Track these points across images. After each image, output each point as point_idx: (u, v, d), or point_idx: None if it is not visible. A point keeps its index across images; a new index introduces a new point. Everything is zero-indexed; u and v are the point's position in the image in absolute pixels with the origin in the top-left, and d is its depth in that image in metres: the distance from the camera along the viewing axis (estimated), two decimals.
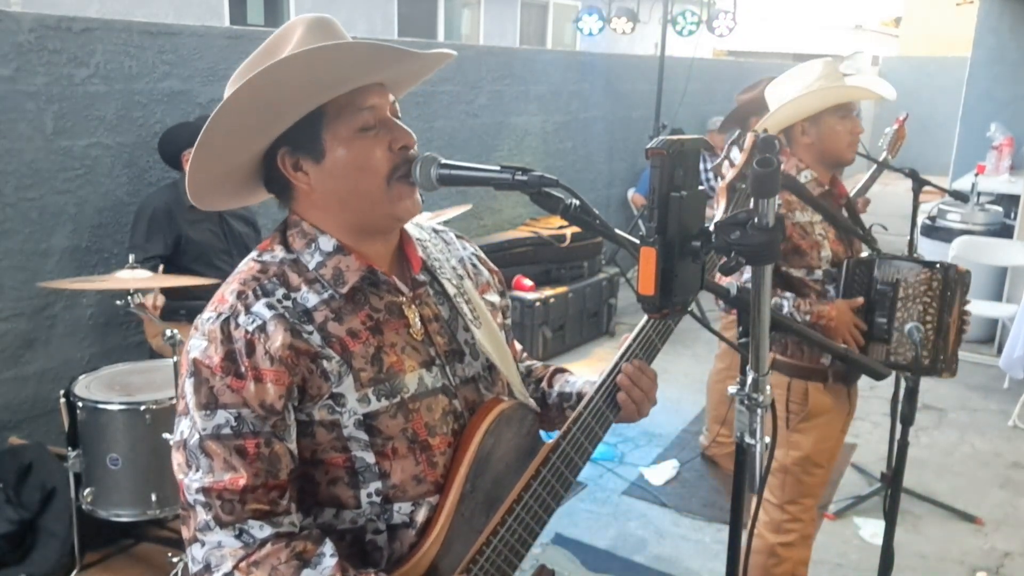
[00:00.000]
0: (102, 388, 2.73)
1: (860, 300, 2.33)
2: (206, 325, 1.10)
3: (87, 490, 2.66)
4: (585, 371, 1.32)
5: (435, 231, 1.37)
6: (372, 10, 9.50)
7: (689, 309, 1.12)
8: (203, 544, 1.06)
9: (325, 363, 1.11)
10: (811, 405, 2.39)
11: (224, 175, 1.19)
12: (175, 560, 2.62)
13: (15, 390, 3.19)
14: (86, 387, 2.73)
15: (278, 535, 1.06)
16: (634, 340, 1.32)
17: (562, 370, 1.48)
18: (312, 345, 1.11)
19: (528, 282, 5.21)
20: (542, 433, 1.34)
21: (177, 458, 1.10)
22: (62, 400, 2.66)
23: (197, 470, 1.07)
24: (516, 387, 1.30)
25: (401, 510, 1.15)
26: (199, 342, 1.10)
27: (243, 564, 1.04)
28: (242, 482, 1.06)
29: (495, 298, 1.38)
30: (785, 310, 2.29)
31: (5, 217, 3.07)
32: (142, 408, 2.61)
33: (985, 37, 7.56)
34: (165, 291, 3.06)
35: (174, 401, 2.53)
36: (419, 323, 1.21)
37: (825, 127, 2.35)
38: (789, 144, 2.46)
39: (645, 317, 1.31)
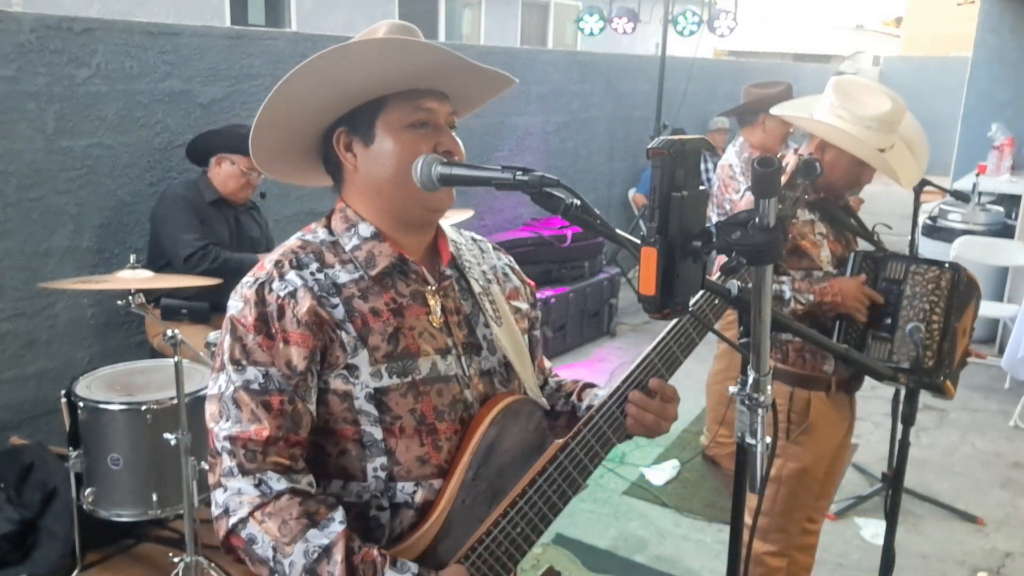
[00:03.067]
0: (103, 388, 2.73)
1: (863, 277, 2.28)
2: (244, 289, 1.20)
3: (88, 490, 2.67)
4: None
5: (473, 239, 1.43)
6: (373, 10, 9.49)
7: (690, 309, 1.12)
8: (225, 489, 1.14)
9: (344, 335, 1.18)
10: (812, 416, 2.34)
11: (285, 142, 1.27)
12: (176, 560, 2.62)
13: (16, 390, 3.20)
14: (87, 387, 2.73)
15: (294, 491, 1.13)
16: (653, 350, 1.33)
17: (591, 385, 1.50)
18: (334, 316, 1.18)
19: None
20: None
21: (210, 408, 1.18)
22: (63, 400, 2.66)
23: (227, 419, 1.15)
24: (529, 386, 1.32)
25: (404, 489, 1.20)
26: (237, 303, 1.19)
27: (257, 512, 1.11)
28: (266, 433, 1.13)
29: (523, 305, 1.42)
30: (787, 295, 2.24)
31: (6, 217, 3.07)
32: (143, 408, 2.61)
33: (986, 37, 7.56)
34: (165, 291, 3.06)
35: (175, 401, 2.53)
36: (440, 312, 1.26)
37: (842, 162, 2.28)
38: (795, 144, 2.44)
39: (668, 327, 1.34)
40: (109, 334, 3.45)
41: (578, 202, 1.13)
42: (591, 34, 7.13)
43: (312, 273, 1.20)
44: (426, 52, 1.17)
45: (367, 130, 1.22)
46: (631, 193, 7.19)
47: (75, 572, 2.76)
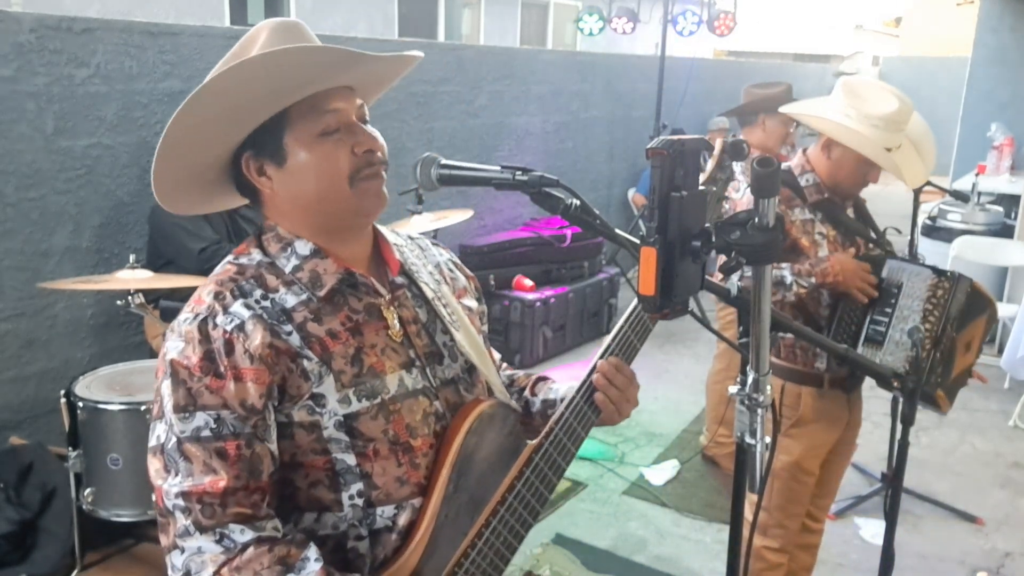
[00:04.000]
0: (102, 388, 2.73)
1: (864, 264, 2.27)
2: (183, 326, 1.09)
3: (88, 490, 2.66)
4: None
5: (411, 238, 1.37)
6: (372, 10, 9.49)
7: (689, 309, 1.12)
8: (183, 551, 1.03)
9: (305, 363, 1.10)
10: (803, 411, 2.34)
11: (191, 177, 1.19)
12: None
13: (16, 390, 3.20)
14: (87, 387, 2.73)
15: (260, 539, 1.04)
16: (612, 339, 1.30)
17: (544, 378, 1.47)
18: (291, 345, 1.10)
19: (528, 282, 5.21)
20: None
21: (154, 464, 1.07)
22: (63, 400, 2.66)
23: (176, 474, 1.05)
24: (497, 388, 1.29)
25: (384, 514, 1.14)
26: (176, 343, 1.08)
27: (224, 570, 1.02)
28: (223, 484, 1.04)
29: (472, 303, 1.38)
30: (788, 279, 2.21)
31: (6, 217, 3.07)
32: (143, 408, 2.60)
33: (986, 37, 7.56)
34: (165, 292, 3.06)
35: None
36: (398, 324, 1.20)
37: (849, 161, 2.27)
38: (801, 145, 2.43)
39: (623, 317, 1.31)
40: (108, 334, 3.45)
41: (577, 202, 1.13)
42: (590, 34, 7.13)
43: (257, 301, 1.11)
44: (315, 55, 1.09)
45: (276, 150, 1.14)
46: (630, 193, 7.19)
47: (75, 572, 2.76)
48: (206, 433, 1.05)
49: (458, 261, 1.43)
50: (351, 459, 1.11)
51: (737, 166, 4.07)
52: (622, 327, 1.30)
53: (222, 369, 1.06)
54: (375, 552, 1.14)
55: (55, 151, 3.19)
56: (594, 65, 6.76)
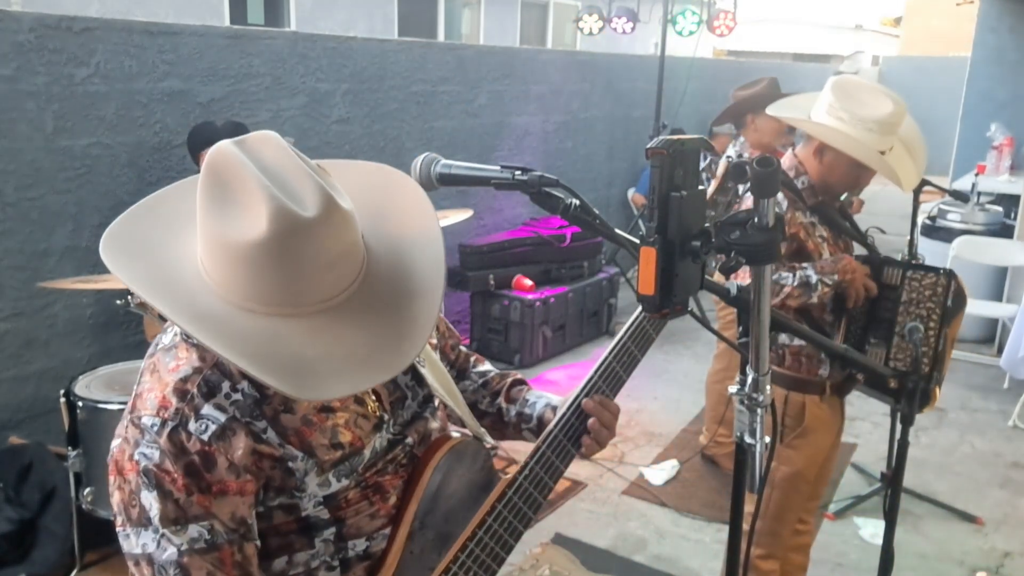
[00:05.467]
0: (102, 387, 2.73)
1: (867, 269, 2.28)
2: (152, 432, 0.97)
3: (87, 489, 2.66)
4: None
5: None
6: (372, 10, 9.49)
7: (689, 309, 1.12)
8: None
9: (291, 463, 1.03)
10: (807, 420, 2.33)
11: None
12: None
13: (15, 390, 3.19)
14: (86, 387, 2.73)
15: None
16: (596, 373, 1.25)
17: (520, 382, 1.42)
18: (273, 446, 1.02)
19: (528, 282, 5.21)
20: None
21: (144, 572, 0.99)
22: (62, 399, 2.66)
23: None
24: (468, 422, 1.25)
25: (356, 546, 1.12)
26: (149, 450, 0.97)
27: None
28: None
29: (433, 339, 1.31)
30: (814, 279, 2.20)
31: (5, 217, 3.07)
32: None
33: (985, 37, 7.57)
34: None
35: None
36: (372, 398, 1.14)
37: (841, 164, 2.25)
38: (798, 142, 2.41)
39: (608, 348, 1.27)
40: (108, 334, 3.45)
41: (577, 202, 1.13)
42: (590, 34, 7.13)
43: (228, 396, 0.99)
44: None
45: None
46: (630, 193, 7.19)
47: (74, 571, 2.76)
48: (200, 545, 0.98)
49: None
50: (325, 514, 1.09)
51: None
52: (606, 359, 1.26)
53: (205, 484, 0.97)
54: None
55: (55, 150, 3.19)
56: (594, 65, 6.76)
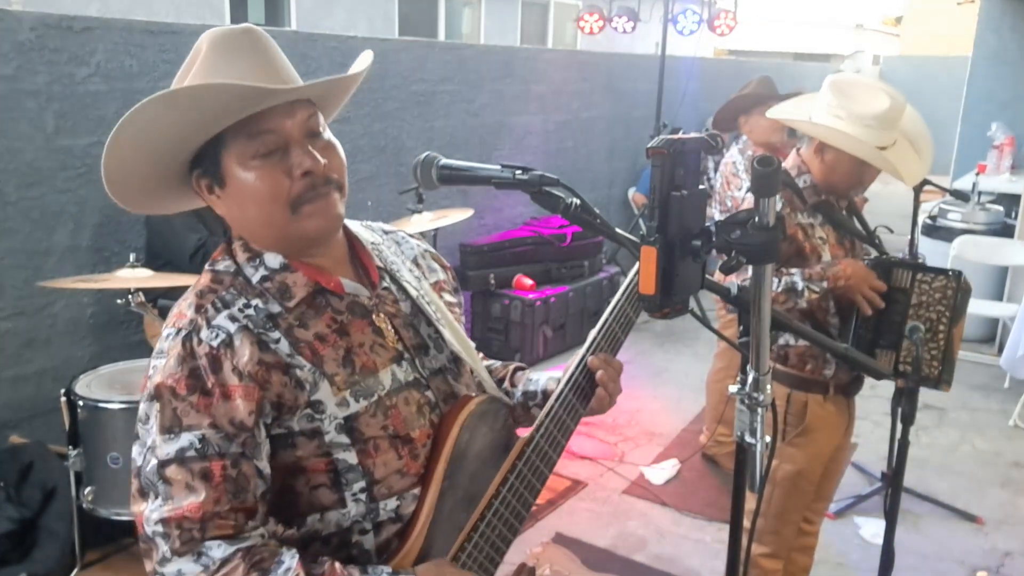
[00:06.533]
0: (103, 387, 2.73)
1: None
2: (166, 343, 1.06)
3: (88, 489, 2.67)
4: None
5: (385, 232, 1.34)
6: (373, 9, 9.49)
7: (690, 308, 1.12)
8: None
9: (298, 372, 1.07)
10: (809, 419, 2.32)
11: (147, 190, 1.16)
12: None
13: (16, 389, 3.20)
14: (87, 386, 2.73)
15: (238, 551, 1.02)
16: (598, 332, 1.30)
17: (521, 367, 1.48)
18: (281, 355, 1.07)
19: (528, 281, 5.21)
20: None
21: (134, 485, 1.05)
22: (63, 399, 2.66)
23: (156, 498, 1.02)
24: (486, 382, 1.30)
25: (387, 507, 1.14)
26: (160, 362, 1.05)
27: None
28: (202, 509, 1.01)
29: (451, 298, 1.37)
30: (800, 285, 2.18)
31: (6, 216, 3.07)
32: None
33: (986, 36, 7.56)
34: (164, 290, 3.06)
35: None
36: (386, 323, 1.19)
37: (843, 163, 2.24)
38: (800, 141, 2.40)
39: (607, 311, 1.31)
40: (109, 333, 3.45)
41: (578, 201, 1.13)
42: (591, 33, 7.13)
43: (241, 310, 1.08)
44: (222, 93, 1.02)
45: (216, 172, 1.11)
46: (631, 192, 7.19)
47: (75, 571, 2.76)
48: (191, 453, 1.01)
49: (434, 251, 1.40)
50: (352, 458, 1.11)
51: (739, 164, 4.08)
52: (607, 320, 1.31)
53: (209, 386, 1.03)
54: (379, 542, 1.14)
55: (55, 150, 3.19)
56: (594, 64, 6.76)
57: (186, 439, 1.02)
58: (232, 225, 1.17)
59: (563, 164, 6.39)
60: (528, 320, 5.07)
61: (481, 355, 1.48)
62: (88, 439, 2.65)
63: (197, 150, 1.11)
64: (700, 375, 4.06)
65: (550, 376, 1.38)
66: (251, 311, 1.08)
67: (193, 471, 1.01)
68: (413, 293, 1.24)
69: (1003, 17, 7.43)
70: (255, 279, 1.12)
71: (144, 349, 3.39)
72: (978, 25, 7.60)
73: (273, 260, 1.14)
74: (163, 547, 1.01)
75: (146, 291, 2.74)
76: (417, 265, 1.34)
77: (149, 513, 1.02)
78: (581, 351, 1.29)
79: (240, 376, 1.04)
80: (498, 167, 1.13)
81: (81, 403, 2.64)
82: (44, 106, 3.13)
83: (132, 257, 2.75)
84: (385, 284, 1.23)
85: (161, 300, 3.11)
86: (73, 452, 2.65)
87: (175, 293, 3.04)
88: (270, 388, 1.05)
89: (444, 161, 1.18)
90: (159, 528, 1.01)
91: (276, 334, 1.08)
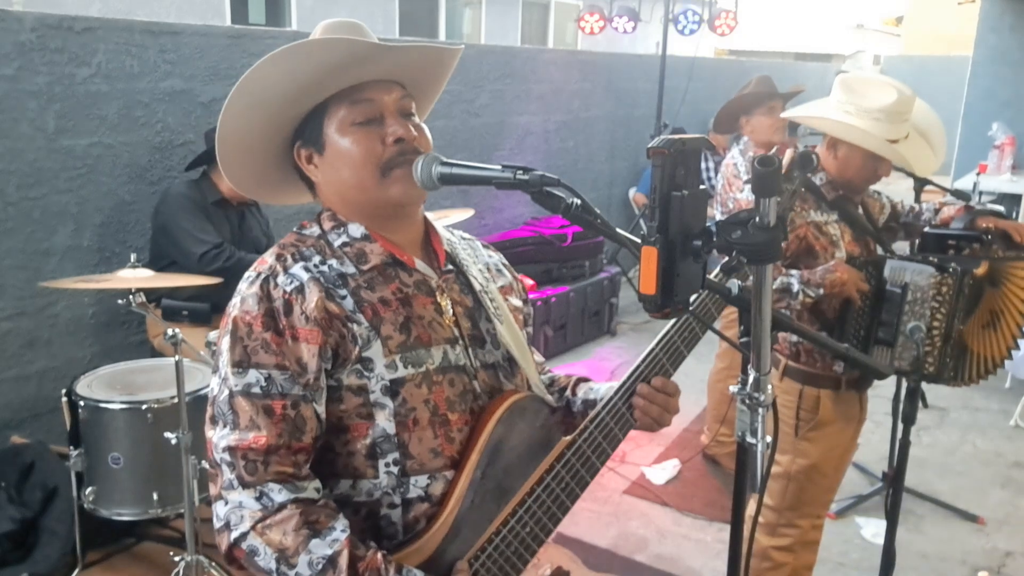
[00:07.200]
0: (104, 387, 2.73)
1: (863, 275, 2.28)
2: (245, 284, 1.17)
3: (89, 489, 2.67)
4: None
5: (463, 238, 1.43)
6: (373, 9, 9.49)
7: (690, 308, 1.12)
8: (226, 502, 1.11)
9: (355, 327, 1.15)
10: (821, 414, 2.34)
11: (258, 167, 1.28)
12: (176, 559, 2.63)
13: (17, 389, 3.20)
14: (88, 386, 2.73)
15: (296, 500, 1.10)
16: (658, 345, 1.33)
17: (585, 379, 1.50)
18: (344, 309, 1.16)
19: (529, 281, 5.21)
20: None
21: (208, 412, 1.15)
22: (64, 399, 2.66)
23: (224, 426, 1.12)
24: (534, 382, 1.32)
25: (417, 483, 1.18)
26: (238, 299, 1.16)
27: (259, 526, 1.09)
28: (264, 442, 1.10)
29: (517, 302, 1.42)
30: (795, 287, 2.22)
31: (7, 216, 3.08)
32: (144, 407, 2.61)
33: (987, 36, 7.56)
34: (166, 291, 3.06)
35: (175, 400, 2.53)
36: (448, 304, 1.25)
37: (856, 157, 2.27)
38: (800, 142, 2.42)
39: (672, 321, 1.33)
40: (110, 333, 3.46)
41: (578, 201, 1.13)
42: (591, 33, 7.13)
43: (316, 266, 1.19)
44: (334, 48, 1.15)
45: (318, 138, 1.22)
46: (631, 192, 7.19)
47: (76, 571, 2.76)
48: (256, 390, 1.11)
49: (508, 264, 1.48)
50: (391, 427, 1.16)
51: (740, 165, 4.08)
52: (669, 331, 1.34)
53: (281, 327, 1.13)
54: (407, 519, 1.18)
55: (56, 150, 3.19)
56: (595, 64, 6.76)
57: (253, 376, 1.12)
58: (326, 192, 1.26)
59: (563, 164, 6.39)
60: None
61: (546, 366, 1.54)
62: (89, 439, 2.65)
63: (302, 119, 1.23)
64: (701, 375, 4.06)
65: (611, 386, 1.39)
66: (325, 268, 1.19)
67: (257, 406, 1.11)
68: (477, 286, 1.30)
69: (1003, 17, 7.42)
70: (336, 243, 1.23)
71: (146, 349, 3.40)
72: (979, 25, 7.59)
73: (356, 230, 1.24)
74: (228, 474, 1.11)
75: (147, 291, 2.74)
76: (488, 268, 1.40)
77: (218, 440, 1.12)
78: (638, 360, 1.32)
79: (307, 320, 1.13)
80: (499, 167, 1.13)
81: (82, 403, 2.64)
82: (45, 106, 3.13)
83: (133, 257, 2.75)
84: (449, 269, 1.30)
85: (164, 300, 3.11)
86: (74, 452, 2.65)
87: (179, 293, 3.06)
88: (331, 335, 1.14)
89: (444, 161, 1.18)
90: (226, 456, 1.11)
91: (343, 291, 1.17)
